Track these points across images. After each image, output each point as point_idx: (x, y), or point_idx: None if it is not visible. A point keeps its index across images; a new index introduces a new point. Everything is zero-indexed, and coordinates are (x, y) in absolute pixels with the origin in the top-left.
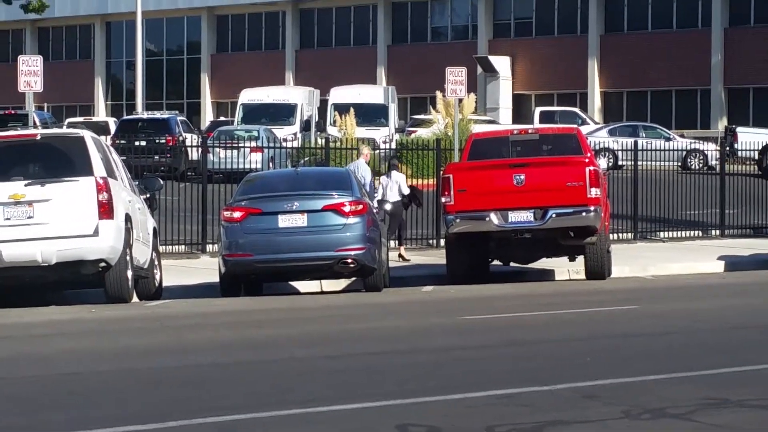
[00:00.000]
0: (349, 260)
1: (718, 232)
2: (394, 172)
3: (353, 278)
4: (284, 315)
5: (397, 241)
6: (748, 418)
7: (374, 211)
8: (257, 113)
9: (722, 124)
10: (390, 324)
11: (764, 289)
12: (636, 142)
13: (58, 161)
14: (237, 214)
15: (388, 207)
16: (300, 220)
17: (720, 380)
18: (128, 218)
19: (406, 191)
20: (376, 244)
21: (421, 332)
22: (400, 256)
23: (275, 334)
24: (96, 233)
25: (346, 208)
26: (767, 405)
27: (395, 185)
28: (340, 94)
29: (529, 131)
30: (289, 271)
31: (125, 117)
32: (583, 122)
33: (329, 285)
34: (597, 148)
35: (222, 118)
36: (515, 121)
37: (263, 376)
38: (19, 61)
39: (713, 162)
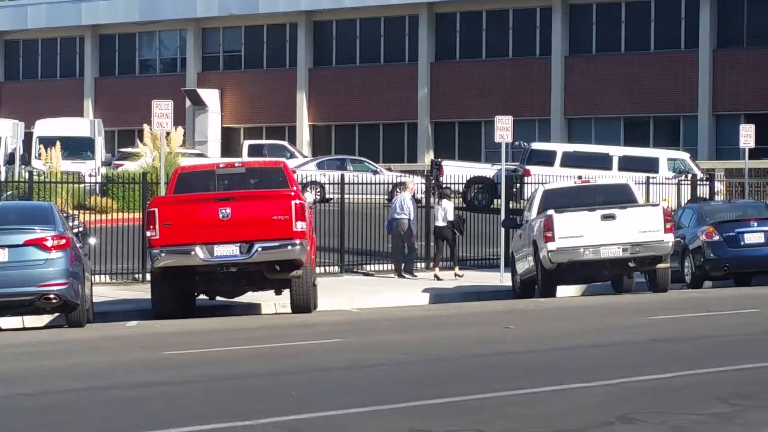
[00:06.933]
0: (51, 296)
1: (424, 264)
2: (444, 201)
3: (56, 314)
4: None
5: (433, 262)
6: None
7: (77, 246)
8: None
9: (429, 157)
10: (92, 360)
11: (464, 321)
12: (343, 176)
13: None
14: None
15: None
16: (1, 255)
17: (421, 412)
18: None
19: (451, 218)
20: (79, 279)
21: (123, 368)
22: (435, 276)
23: None
24: None
25: (49, 243)
26: None
27: (442, 212)
28: (46, 127)
29: (236, 165)
30: None
31: None
32: (292, 155)
33: (31, 321)
34: (305, 181)
35: None
36: (224, 154)
37: None
38: None
39: (419, 195)
